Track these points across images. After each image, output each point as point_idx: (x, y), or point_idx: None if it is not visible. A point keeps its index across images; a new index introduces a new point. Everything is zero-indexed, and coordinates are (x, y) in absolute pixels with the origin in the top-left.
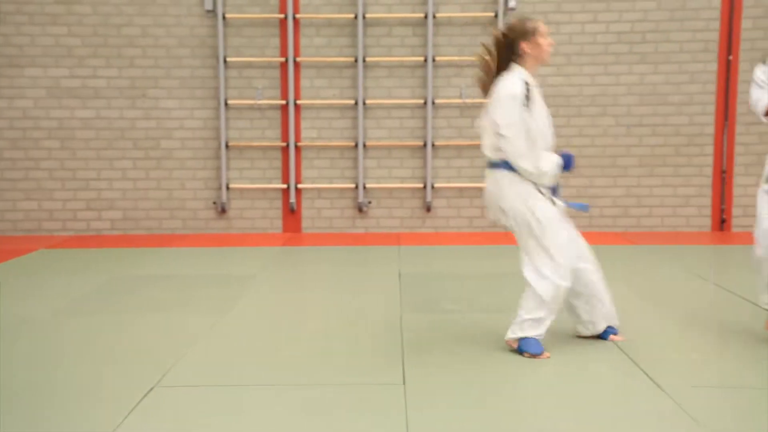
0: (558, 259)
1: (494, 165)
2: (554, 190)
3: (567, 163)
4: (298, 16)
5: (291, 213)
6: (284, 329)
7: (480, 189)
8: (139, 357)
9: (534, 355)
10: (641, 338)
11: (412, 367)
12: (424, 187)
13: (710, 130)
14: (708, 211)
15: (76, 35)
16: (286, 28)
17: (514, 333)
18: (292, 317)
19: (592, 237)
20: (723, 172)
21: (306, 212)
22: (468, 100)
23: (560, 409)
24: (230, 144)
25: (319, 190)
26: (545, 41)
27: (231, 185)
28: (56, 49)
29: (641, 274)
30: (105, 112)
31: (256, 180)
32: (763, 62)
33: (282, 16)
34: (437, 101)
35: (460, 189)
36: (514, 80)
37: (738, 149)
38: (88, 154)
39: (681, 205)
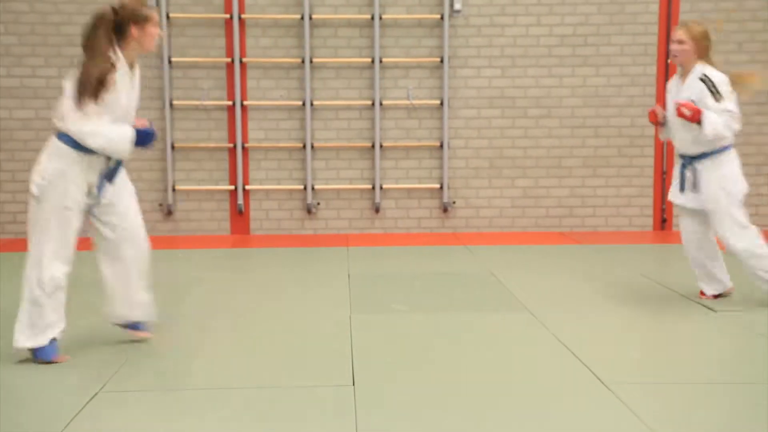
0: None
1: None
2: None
3: (141, 139)
4: (243, 16)
5: (239, 215)
6: (231, 332)
7: (428, 189)
8: (82, 362)
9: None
10: (584, 335)
11: (362, 369)
12: (373, 188)
13: (650, 131)
14: (650, 211)
15: (13, 33)
16: (232, 28)
17: None
18: (240, 320)
19: (538, 237)
20: (663, 172)
21: (254, 214)
22: (415, 102)
23: (513, 407)
24: (176, 145)
25: (267, 191)
26: (155, 30)
27: (177, 187)
28: None
29: (586, 273)
30: (44, 112)
31: (203, 181)
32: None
33: (227, 16)
34: (385, 102)
35: (409, 190)
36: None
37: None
38: (27, 156)
39: (624, 205)
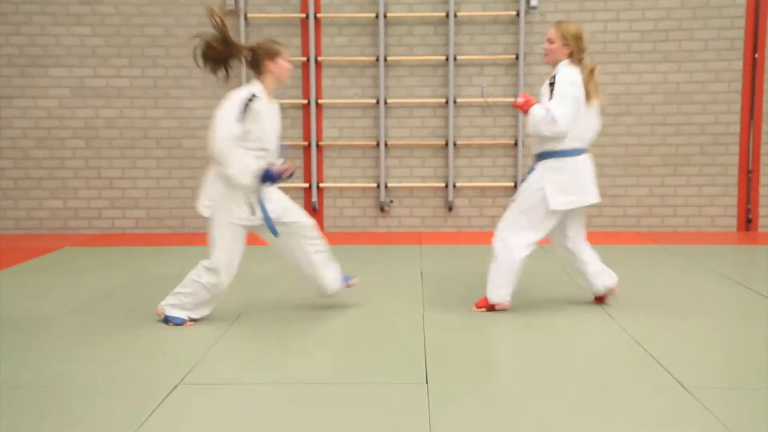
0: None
1: None
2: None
3: (266, 177)
4: (319, 15)
5: (313, 212)
6: (306, 328)
7: (503, 188)
8: (162, 354)
9: None
10: (666, 338)
11: (435, 367)
12: (446, 186)
13: (735, 128)
14: (734, 211)
15: (100, 35)
16: (308, 27)
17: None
18: (315, 316)
19: (616, 237)
20: (749, 171)
21: (328, 211)
22: (490, 99)
23: (586, 407)
24: None
25: (341, 189)
26: (286, 64)
27: None
28: (80, 49)
29: (665, 275)
30: (128, 111)
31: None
32: None
33: (303, 15)
34: (459, 100)
35: (482, 188)
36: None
37: (764, 148)
38: (112, 153)
39: (706, 204)
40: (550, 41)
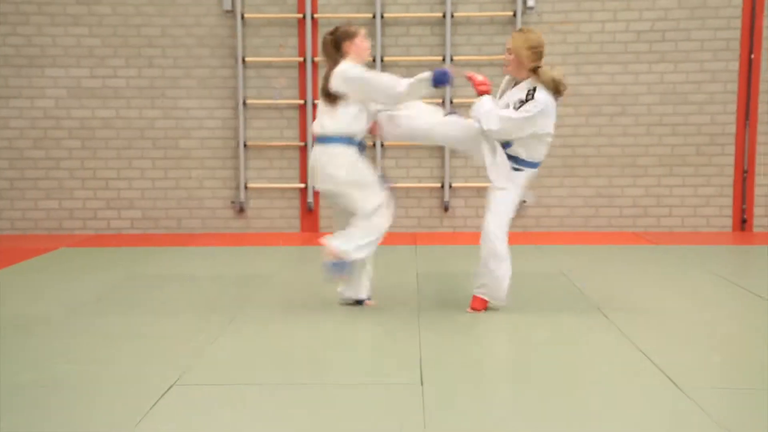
0: None
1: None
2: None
3: (439, 78)
4: (316, 16)
5: (309, 212)
6: (301, 329)
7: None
8: (157, 355)
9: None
10: (661, 338)
11: (430, 368)
12: (442, 186)
13: (731, 129)
14: (729, 211)
15: (97, 36)
16: (305, 27)
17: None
18: (310, 317)
19: (612, 237)
20: (744, 171)
21: (324, 212)
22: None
23: (581, 408)
24: (249, 143)
25: None
26: (363, 43)
27: (249, 185)
28: (77, 50)
29: (661, 275)
30: (124, 111)
31: (274, 179)
32: None
33: (300, 15)
34: (455, 101)
35: (478, 189)
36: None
37: (760, 149)
38: (107, 154)
39: (701, 205)
40: (507, 51)
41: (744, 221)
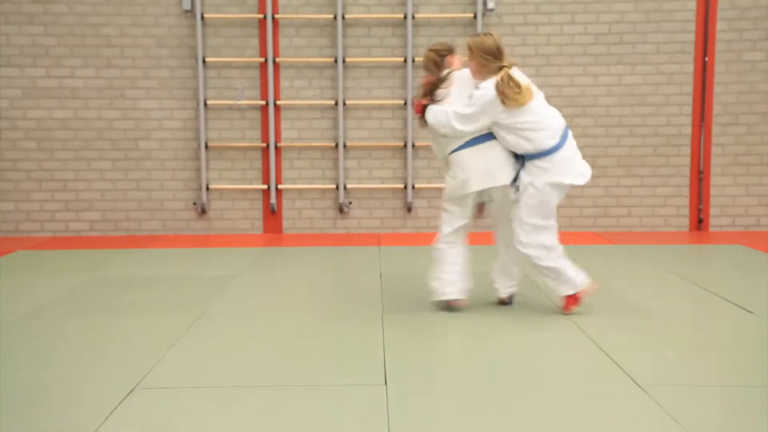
0: None
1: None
2: None
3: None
4: (277, 16)
5: (271, 214)
6: (264, 330)
7: None
8: (118, 358)
9: None
10: (621, 337)
11: (394, 368)
12: (405, 187)
13: (687, 130)
14: (686, 211)
15: (53, 35)
16: (266, 28)
17: None
18: (273, 318)
19: (572, 237)
20: (700, 172)
21: (286, 213)
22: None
23: (542, 406)
24: (210, 144)
25: (299, 190)
26: (456, 59)
27: (211, 186)
28: (33, 49)
29: (620, 274)
30: (82, 112)
31: (236, 181)
32: None
33: (261, 16)
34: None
35: (441, 189)
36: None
37: (715, 150)
38: (65, 155)
39: (659, 205)
40: (468, 59)
41: (700, 221)
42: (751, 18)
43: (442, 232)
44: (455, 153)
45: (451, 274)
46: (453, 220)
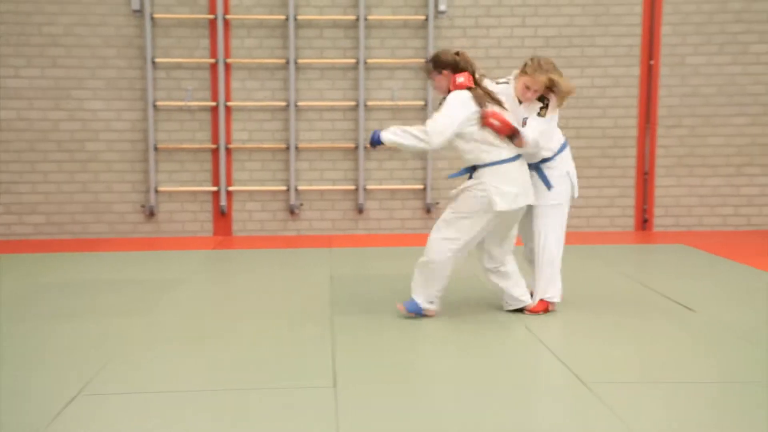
0: None
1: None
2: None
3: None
4: (228, 17)
5: (222, 216)
6: (213, 333)
7: (411, 191)
8: (61, 365)
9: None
10: (566, 335)
11: (343, 370)
12: (356, 189)
13: (633, 132)
14: (631, 212)
15: None
16: (216, 28)
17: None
18: (222, 321)
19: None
20: (645, 173)
21: (237, 215)
22: (399, 103)
23: (488, 406)
24: (159, 146)
25: (250, 192)
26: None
27: (160, 188)
28: None
29: (567, 273)
30: (26, 113)
31: (185, 183)
32: None
33: (212, 16)
34: (369, 103)
35: (392, 191)
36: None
37: (659, 151)
38: (7, 157)
39: (606, 205)
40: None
41: (645, 221)
42: (694, 23)
43: (453, 245)
44: (500, 164)
45: (442, 290)
46: (471, 234)
